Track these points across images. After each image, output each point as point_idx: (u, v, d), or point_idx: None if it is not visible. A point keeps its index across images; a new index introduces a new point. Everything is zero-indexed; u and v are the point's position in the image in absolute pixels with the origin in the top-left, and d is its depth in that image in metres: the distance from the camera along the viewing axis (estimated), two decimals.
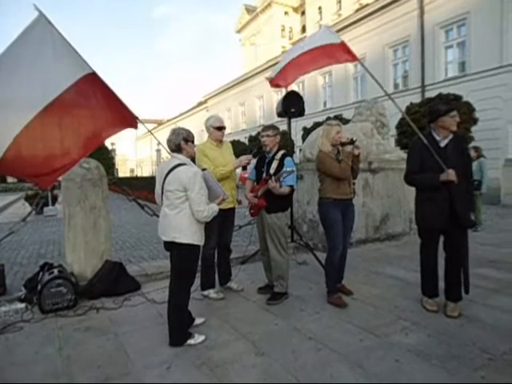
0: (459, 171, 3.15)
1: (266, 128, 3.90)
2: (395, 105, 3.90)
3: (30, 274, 4.33)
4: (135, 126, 3.25)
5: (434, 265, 3.50)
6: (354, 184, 3.83)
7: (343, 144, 3.63)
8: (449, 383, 2.33)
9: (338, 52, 3.80)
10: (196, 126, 35.66)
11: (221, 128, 4.01)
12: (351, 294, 3.89)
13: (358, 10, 21.32)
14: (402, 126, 11.92)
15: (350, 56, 3.79)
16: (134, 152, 60.29)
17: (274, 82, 4.51)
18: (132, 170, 60.43)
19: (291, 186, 3.74)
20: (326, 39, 3.85)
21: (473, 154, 7.70)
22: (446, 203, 3.21)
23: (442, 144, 3.30)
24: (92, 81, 3.10)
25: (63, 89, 2.95)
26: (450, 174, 3.13)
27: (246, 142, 22.54)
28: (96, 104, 3.15)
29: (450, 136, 3.29)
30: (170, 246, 2.97)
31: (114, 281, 4.16)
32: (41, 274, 4.10)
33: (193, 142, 3.08)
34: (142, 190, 14.48)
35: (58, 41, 2.99)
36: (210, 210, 2.92)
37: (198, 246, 3.01)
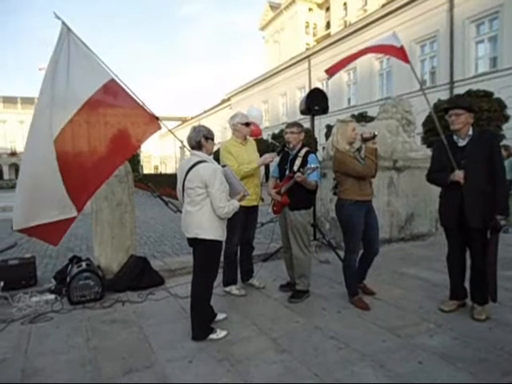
0: (479, 171, 3.10)
1: (291, 125, 3.89)
2: (426, 101, 3.81)
3: (60, 267, 4.53)
4: (159, 128, 3.29)
5: (456, 265, 3.42)
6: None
7: (366, 140, 3.49)
8: None
9: (394, 50, 3.94)
10: (219, 123, 35.94)
11: (248, 124, 4.04)
12: (373, 294, 3.84)
13: (384, 6, 20.83)
14: (429, 123, 11.61)
15: (404, 58, 3.87)
16: (158, 149, 61.26)
17: (329, 72, 4.63)
18: (156, 167, 61.43)
19: (315, 182, 3.73)
20: (389, 41, 4.00)
21: (503, 152, 7.44)
22: (457, 202, 3.20)
23: (461, 143, 3.24)
24: (113, 87, 3.10)
25: (86, 98, 2.99)
26: (457, 175, 3.15)
27: (269, 139, 22.54)
28: (121, 111, 3.18)
29: (470, 135, 3.21)
30: (193, 242, 3.02)
31: (139, 275, 4.26)
32: (69, 266, 4.26)
33: (212, 139, 3.12)
34: (165, 186, 14.69)
35: (78, 49, 3.00)
36: (231, 206, 2.94)
37: (220, 242, 3.05)
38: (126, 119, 3.21)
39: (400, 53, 3.85)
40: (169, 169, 52.55)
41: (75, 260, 4.34)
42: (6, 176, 55.65)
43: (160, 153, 61.36)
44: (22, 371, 2.62)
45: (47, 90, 2.88)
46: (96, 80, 3.03)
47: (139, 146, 3.37)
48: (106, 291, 4.01)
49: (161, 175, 28.39)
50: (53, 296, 3.96)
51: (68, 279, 3.89)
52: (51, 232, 3.07)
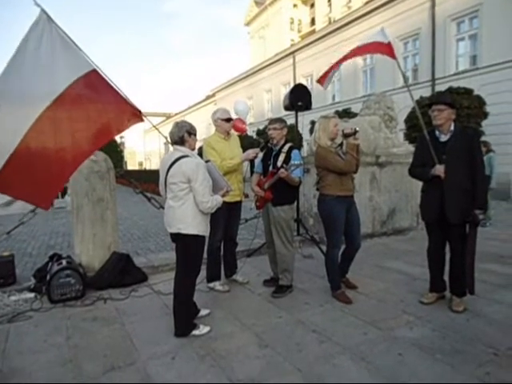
0: (459, 166, 3.16)
1: (273, 121, 3.90)
2: (411, 96, 3.85)
3: (40, 265, 4.42)
4: (141, 120, 3.26)
5: (436, 258, 3.49)
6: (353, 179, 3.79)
7: (347, 135, 3.52)
8: (452, 380, 2.33)
9: (381, 47, 3.96)
10: (204, 119, 35.62)
11: (229, 119, 4.02)
12: (355, 288, 3.89)
13: (367, 3, 20.95)
14: (411, 119, 11.78)
15: (391, 54, 3.89)
16: (142, 145, 60.47)
17: (321, 81, 5.01)
18: (141, 163, 60.58)
19: (299, 178, 3.74)
20: (377, 37, 4.01)
21: (482, 148, 7.59)
22: (438, 197, 3.26)
23: (443, 139, 3.30)
24: (94, 78, 3.06)
25: (64, 87, 2.92)
26: (437, 170, 3.22)
27: (254, 135, 22.50)
28: (100, 101, 3.13)
29: (452, 130, 3.27)
30: (176, 237, 3.00)
31: (121, 272, 4.21)
32: (50, 264, 4.17)
33: (195, 135, 3.10)
34: (150, 182, 14.53)
35: (58, 38, 2.93)
36: (214, 202, 2.94)
37: (203, 237, 3.04)
38: (107, 110, 3.16)
39: (387, 48, 3.87)
40: (153, 165, 51.95)
41: (55, 258, 4.26)
42: None
43: (144, 149, 60.61)
44: (0, 371, 2.56)
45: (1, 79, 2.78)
46: (76, 70, 2.98)
47: (118, 133, 3.34)
48: (88, 289, 3.95)
49: (145, 171, 28.05)
50: (32, 294, 3.88)
51: (48, 277, 3.82)
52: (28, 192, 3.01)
